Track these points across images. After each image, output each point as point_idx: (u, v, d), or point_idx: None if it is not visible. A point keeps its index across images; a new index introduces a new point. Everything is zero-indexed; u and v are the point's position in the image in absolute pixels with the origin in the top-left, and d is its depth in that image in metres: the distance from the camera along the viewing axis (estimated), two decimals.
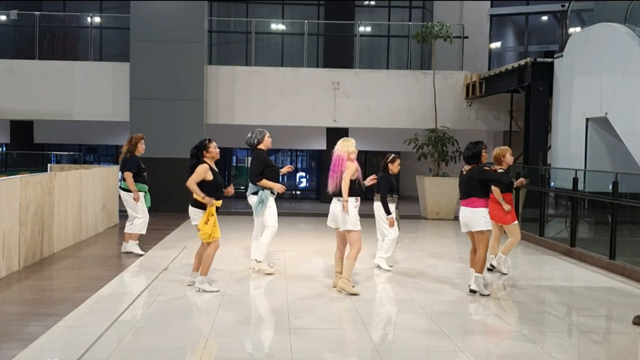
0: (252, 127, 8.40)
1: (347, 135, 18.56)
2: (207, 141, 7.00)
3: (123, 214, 13.31)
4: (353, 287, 7.09)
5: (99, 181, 11.35)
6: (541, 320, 6.43)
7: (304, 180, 22.97)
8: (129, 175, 8.86)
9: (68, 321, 5.75)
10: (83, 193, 10.39)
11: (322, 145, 19.26)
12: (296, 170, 22.72)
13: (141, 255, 9.12)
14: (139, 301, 6.62)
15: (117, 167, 13.50)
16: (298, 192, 21.85)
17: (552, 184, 11.95)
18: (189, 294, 6.94)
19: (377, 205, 8.41)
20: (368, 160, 20.75)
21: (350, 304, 6.65)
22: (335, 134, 18.37)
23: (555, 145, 13.49)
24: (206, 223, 6.82)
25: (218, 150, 7.07)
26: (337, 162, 7.02)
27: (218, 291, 7.00)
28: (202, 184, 6.87)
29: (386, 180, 8.31)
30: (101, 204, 11.47)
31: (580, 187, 10.18)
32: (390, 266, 8.63)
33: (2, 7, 18.25)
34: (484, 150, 7.23)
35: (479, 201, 7.03)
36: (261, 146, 8.11)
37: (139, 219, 9.10)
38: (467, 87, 16.56)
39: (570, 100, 12.69)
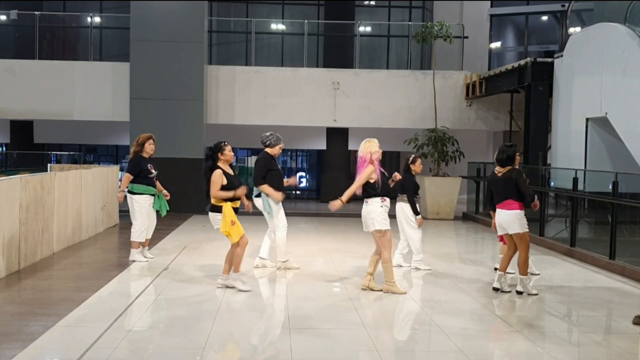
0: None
1: (347, 135, 18.61)
2: (223, 143, 7.05)
3: (123, 214, 13.34)
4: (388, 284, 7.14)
5: (99, 181, 11.35)
6: (541, 320, 6.44)
7: (304, 180, 22.97)
8: (126, 176, 8.39)
9: (68, 321, 5.75)
10: (83, 193, 10.39)
11: (322, 145, 19.26)
12: (297, 170, 22.73)
13: (146, 260, 8.66)
14: (138, 301, 6.62)
15: (117, 167, 13.51)
16: (298, 192, 21.85)
17: (552, 184, 11.95)
18: (189, 293, 6.94)
19: (401, 206, 8.45)
20: None
21: (351, 304, 6.65)
22: (335, 134, 18.44)
23: (555, 145, 13.49)
24: (233, 224, 6.83)
25: (232, 153, 7.17)
26: (360, 163, 6.98)
27: (250, 290, 7.01)
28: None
29: (411, 181, 8.43)
30: (101, 204, 11.47)
31: (580, 187, 10.18)
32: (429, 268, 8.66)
33: (2, 7, 18.26)
34: (517, 153, 7.28)
35: (514, 204, 7.06)
36: (269, 150, 8.23)
37: (136, 225, 8.55)
38: (467, 87, 16.56)
39: (570, 100, 12.69)
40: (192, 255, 9.26)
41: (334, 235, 11.86)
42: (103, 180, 11.63)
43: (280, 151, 8.41)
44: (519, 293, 7.15)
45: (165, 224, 12.05)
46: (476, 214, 14.85)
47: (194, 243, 10.43)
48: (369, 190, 6.96)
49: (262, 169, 8.10)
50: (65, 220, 9.51)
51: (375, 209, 6.92)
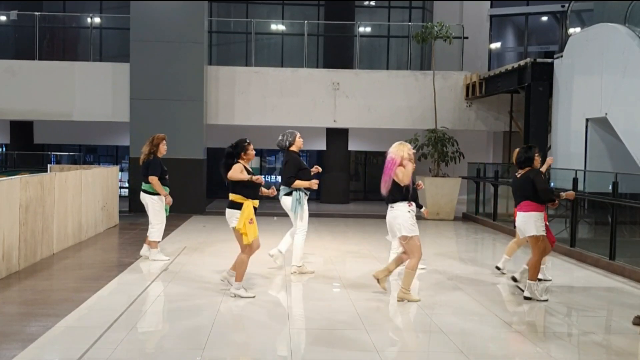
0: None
1: (347, 136, 18.62)
2: (246, 143, 6.78)
3: (123, 214, 13.35)
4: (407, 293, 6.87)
5: (99, 181, 11.35)
6: (541, 321, 6.44)
7: None
8: (154, 179, 8.49)
9: (68, 321, 5.75)
10: (83, 193, 10.39)
11: (322, 146, 19.26)
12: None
13: (165, 260, 8.73)
14: (138, 301, 6.62)
15: (117, 168, 13.53)
16: None
17: (552, 184, 11.95)
18: (189, 293, 6.94)
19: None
20: (368, 160, 20.76)
21: (350, 304, 6.65)
22: (335, 134, 18.43)
23: (555, 145, 13.49)
24: (251, 222, 6.50)
25: (254, 152, 6.97)
26: (389, 165, 6.76)
27: (254, 297, 6.76)
28: (236, 183, 6.67)
29: None
30: (101, 204, 11.47)
31: (580, 187, 10.18)
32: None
33: (2, 7, 18.26)
34: (536, 155, 7.16)
35: (532, 205, 6.93)
36: (293, 148, 8.16)
37: (157, 225, 8.73)
38: (467, 88, 16.56)
39: (570, 101, 12.69)
40: (192, 256, 9.26)
41: (334, 235, 11.86)
42: (103, 180, 11.63)
43: (302, 141, 8.25)
44: (527, 299, 6.97)
45: (165, 224, 12.06)
46: (476, 215, 14.85)
47: (193, 244, 10.42)
48: (396, 194, 6.71)
49: (293, 169, 7.96)
50: (65, 220, 9.51)
51: (402, 214, 6.68)
